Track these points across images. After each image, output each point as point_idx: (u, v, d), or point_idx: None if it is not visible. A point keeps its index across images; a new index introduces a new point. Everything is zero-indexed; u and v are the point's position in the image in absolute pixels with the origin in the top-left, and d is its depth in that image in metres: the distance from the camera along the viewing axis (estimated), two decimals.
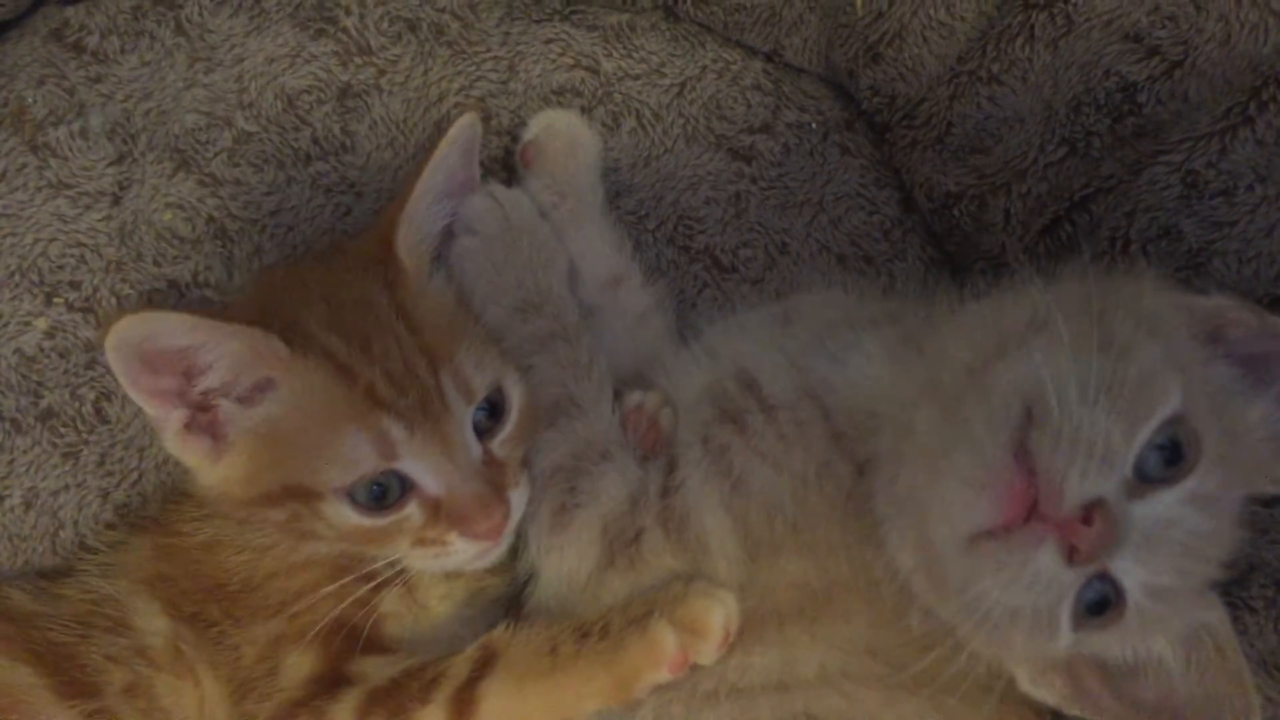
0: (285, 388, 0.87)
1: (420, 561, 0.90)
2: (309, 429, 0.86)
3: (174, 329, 0.82)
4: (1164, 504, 0.74)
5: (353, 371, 0.86)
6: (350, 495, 0.86)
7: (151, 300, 1.04)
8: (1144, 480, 0.74)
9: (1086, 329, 0.74)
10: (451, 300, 0.96)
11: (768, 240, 1.14)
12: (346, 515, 0.87)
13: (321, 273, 0.95)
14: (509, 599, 1.00)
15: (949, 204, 1.10)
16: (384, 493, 0.87)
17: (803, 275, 1.12)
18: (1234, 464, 0.77)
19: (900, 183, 1.17)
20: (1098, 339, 0.74)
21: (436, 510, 0.87)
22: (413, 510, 0.88)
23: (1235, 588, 0.87)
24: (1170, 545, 0.74)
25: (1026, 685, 0.85)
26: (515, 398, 0.93)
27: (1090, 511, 0.70)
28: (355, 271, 0.94)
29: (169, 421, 0.87)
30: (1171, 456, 0.74)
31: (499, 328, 0.97)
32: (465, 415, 0.89)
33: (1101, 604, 0.76)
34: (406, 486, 0.87)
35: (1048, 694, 0.85)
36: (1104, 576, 0.75)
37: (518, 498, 0.92)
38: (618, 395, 1.00)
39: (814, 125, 1.17)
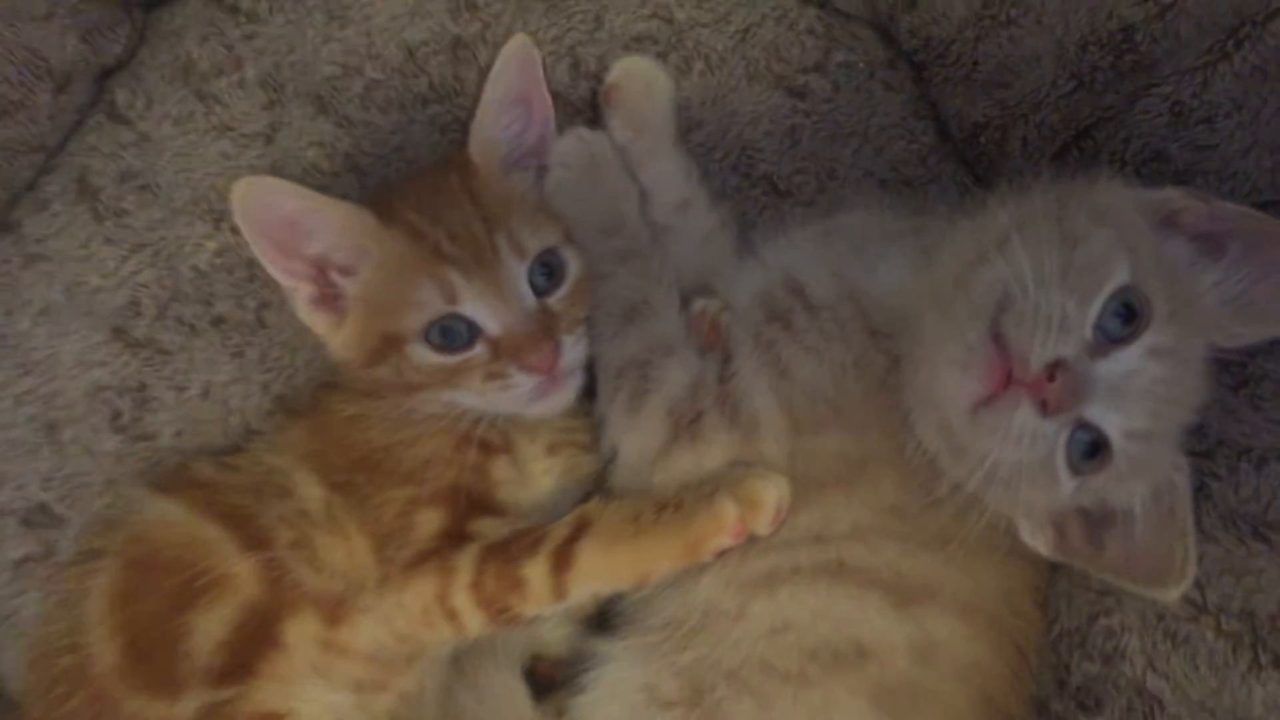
0: (376, 254, 1.03)
1: (497, 398, 1.04)
2: (393, 285, 1.03)
3: (284, 193, 1.00)
4: (1124, 359, 0.89)
5: (424, 234, 1.02)
6: (426, 336, 1.02)
7: None
8: (1108, 341, 0.89)
9: (1049, 229, 0.90)
10: (517, 192, 1.10)
11: (818, 167, 1.25)
12: (426, 355, 1.02)
13: (415, 173, 1.14)
14: (600, 479, 1.15)
15: (976, 133, 1.20)
16: (453, 334, 1.02)
17: (848, 197, 1.21)
18: (1190, 322, 0.91)
19: (936, 115, 1.26)
20: (1058, 235, 0.89)
21: (497, 349, 1.02)
22: (479, 350, 1.02)
23: (1204, 459, 1.00)
24: (1137, 393, 0.89)
25: (1026, 537, 0.99)
26: (572, 266, 1.08)
27: (1053, 370, 0.86)
28: (437, 168, 1.11)
29: (299, 294, 1.05)
30: (1127, 319, 0.88)
31: (585, 245, 1.11)
32: (518, 269, 1.04)
33: (1092, 450, 0.90)
34: (473, 332, 1.02)
35: (1041, 545, 0.99)
36: (1086, 426, 0.90)
37: (570, 343, 1.05)
38: (684, 302, 1.14)
39: (861, 65, 1.27)
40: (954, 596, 1.01)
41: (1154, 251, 0.92)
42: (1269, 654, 0.93)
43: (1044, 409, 0.87)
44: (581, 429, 1.16)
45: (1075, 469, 0.91)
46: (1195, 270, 0.94)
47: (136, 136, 1.25)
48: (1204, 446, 1.00)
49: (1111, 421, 0.90)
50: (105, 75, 1.28)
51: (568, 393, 1.08)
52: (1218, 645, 0.95)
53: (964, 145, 1.24)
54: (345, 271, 1.05)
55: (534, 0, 1.26)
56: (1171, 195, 0.94)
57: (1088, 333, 0.89)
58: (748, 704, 1.01)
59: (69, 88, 1.22)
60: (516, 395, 1.05)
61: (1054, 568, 1.07)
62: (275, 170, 1.23)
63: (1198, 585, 0.95)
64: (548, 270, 1.06)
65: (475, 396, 1.05)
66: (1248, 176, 1.02)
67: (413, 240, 1.03)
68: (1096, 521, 0.98)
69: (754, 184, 1.26)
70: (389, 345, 1.04)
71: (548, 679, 1.15)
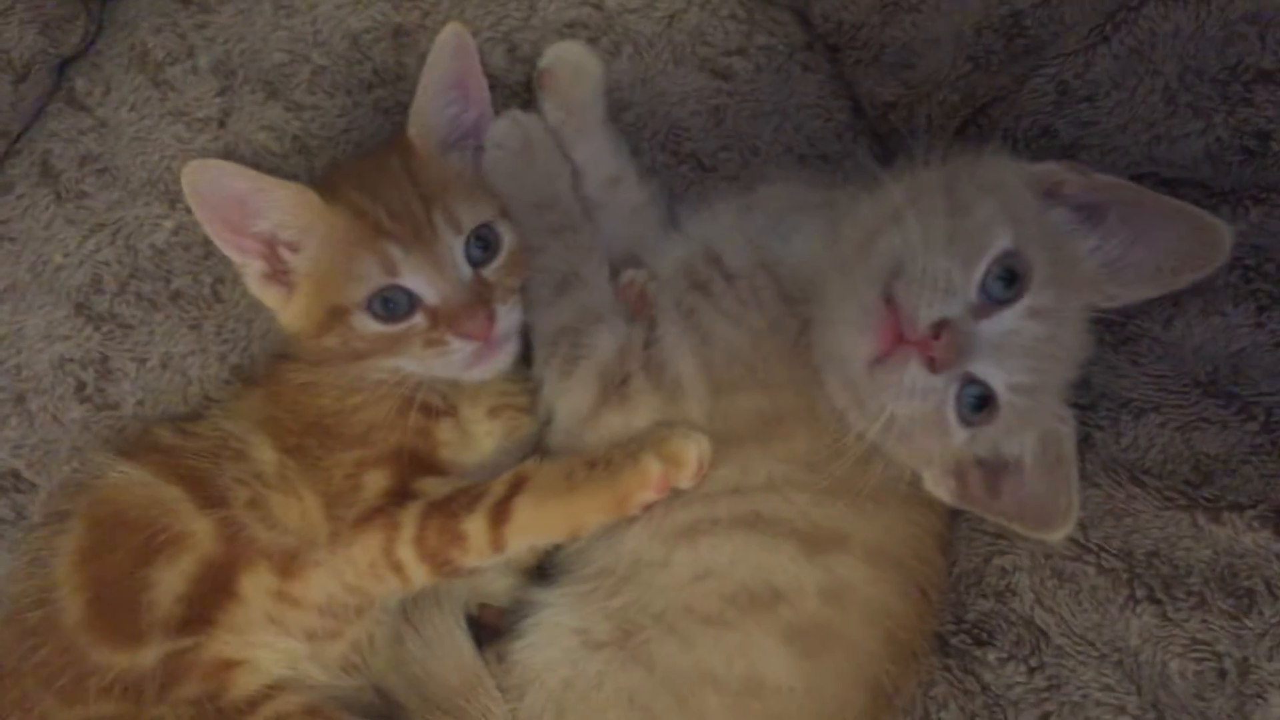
0: (321, 231, 1.10)
1: (434, 364, 1.10)
2: (337, 260, 1.09)
3: (231, 174, 1.06)
4: (1007, 319, 0.96)
5: (365, 211, 1.09)
6: (368, 307, 1.08)
7: None
8: (991, 303, 0.96)
9: (939, 201, 0.97)
10: (454, 171, 1.16)
11: (741, 145, 1.31)
12: (369, 325, 1.08)
13: (355, 159, 1.22)
14: (538, 440, 1.21)
15: (886, 111, 1.27)
16: (394, 304, 1.08)
17: (769, 172, 1.27)
18: (1070, 285, 0.98)
19: (850, 94, 1.33)
20: (946, 205, 0.97)
21: (435, 317, 1.08)
22: (418, 319, 1.09)
23: (1088, 411, 1.07)
24: (1019, 350, 0.96)
25: (929, 485, 1.07)
26: (506, 239, 1.14)
27: (939, 330, 0.93)
28: (378, 149, 1.19)
29: (250, 270, 1.12)
30: (1009, 282, 0.96)
31: (520, 220, 1.17)
32: (455, 242, 1.10)
33: (980, 403, 0.98)
34: (413, 302, 1.08)
35: (944, 493, 1.06)
36: (974, 381, 0.97)
37: (505, 311, 1.11)
38: (614, 273, 1.20)
39: (780, 47, 1.32)
40: (862, 543, 1.08)
41: (1036, 219, 1.00)
42: (1144, 588, 1.01)
43: (931, 365, 0.94)
44: (520, 393, 1.22)
45: (965, 421, 0.98)
46: (1076, 237, 1.01)
47: (95, 122, 1.30)
48: (1088, 400, 1.08)
49: (996, 377, 0.97)
50: (64, 64, 1.33)
51: (503, 358, 1.15)
52: (1099, 581, 1.04)
53: (876, 123, 1.30)
54: (292, 248, 1.12)
55: None
56: (1053, 168, 1.01)
57: (972, 295, 0.96)
58: (672, 644, 1.08)
59: (29, 77, 1.27)
60: (454, 360, 1.11)
61: (954, 514, 1.14)
62: (228, 153, 1.28)
63: (1081, 527, 1.04)
64: (483, 243, 1.13)
65: (416, 362, 1.11)
66: (1126, 150, 1.08)
67: (355, 217, 1.09)
68: (993, 471, 1.05)
69: (681, 161, 1.32)
70: (335, 316, 1.10)
71: (493, 626, 1.22)
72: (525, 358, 1.20)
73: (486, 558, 1.09)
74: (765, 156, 1.31)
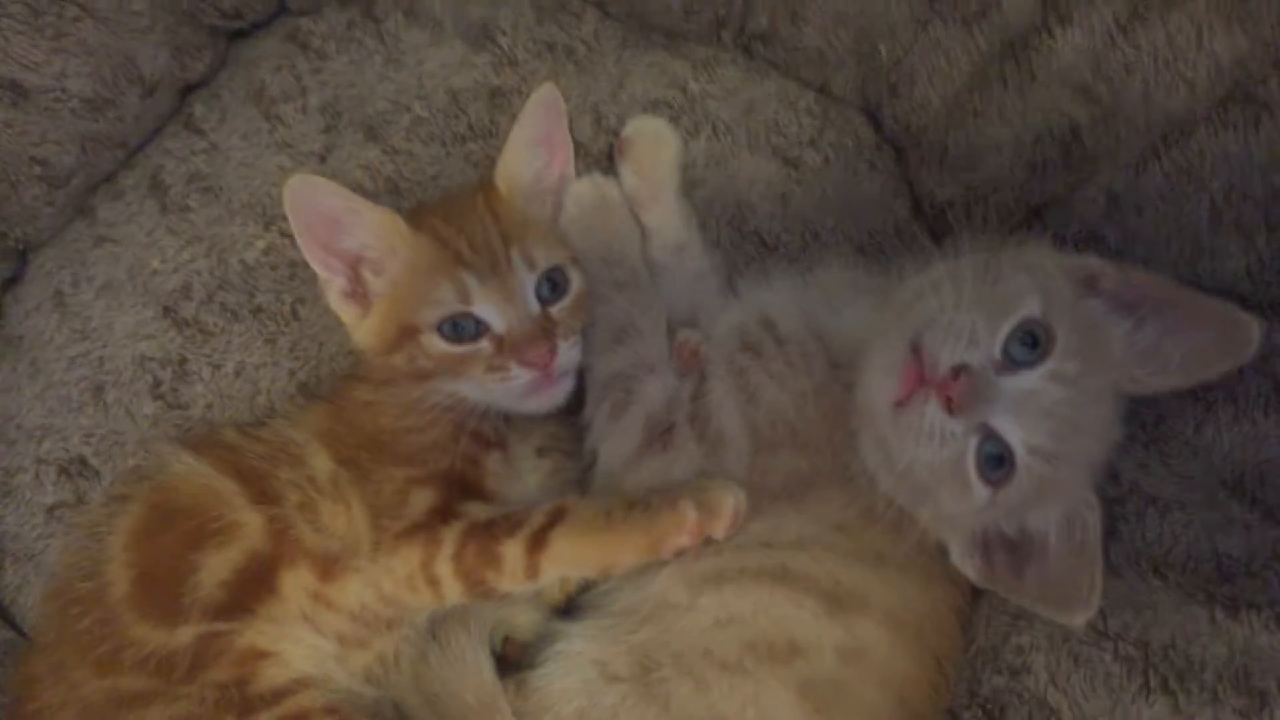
0: (404, 255, 1.17)
1: (494, 388, 1.16)
2: (416, 283, 1.16)
3: (328, 192, 1.14)
4: (1028, 378, 1.00)
5: (447, 241, 1.16)
6: (439, 329, 1.15)
7: None
8: (1014, 364, 1.00)
9: (976, 271, 1.03)
10: (535, 217, 1.24)
11: (804, 229, 1.37)
12: (438, 344, 1.15)
13: (444, 196, 1.29)
14: (580, 485, 1.25)
15: (944, 210, 1.33)
16: (462, 329, 1.15)
17: (828, 257, 1.34)
18: (1096, 362, 1.02)
19: (911, 193, 1.40)
20: (983, 275, 1.03)
21: (501, 345, 1.15)
22: (484, 345, 1.15)
23: (1117, 504, 1.11)
24: (1039, 411, 0.99)
25: (956, 559, 1.09)
26: (575, 282, 1.21)
27: (958, 372, 0.98)
28: (465, 192, 1.26)
29: (332, 284, 1.19)
30: (1032, 347, 1.00)
31: (589, 272, 1.24)
32: (527, 278, 1.17)
33: (998, 460, 1.01)
34: (480, 328, 1.15)
35: (969, 569, 1.08)
36: (993, 437, 1.00)
37: (566, 348, 1.17)
38: (671, 332, 1.26)
39: (850, 144, 1.40)
40: (884, 609, 1.11)
41: (1068, 300, 1.04)
42: (1158, 678, 1.02)
43: (949, 406, 0.99)
44: (569, 439, 1.27)
45: (984, 477, 1.02)
46: (1109, 323, 1.06)
47: (207, 145, 1.41)
48: (1118, 493, 1.11)
49: (1014, 434, 1.00)
50: (187, 90, 1.44)
51: (558, 393, 1.20)
52: (1114, 668, 1.04)
53: (933, 221, 1.37)
54: (374, 269, 1.19)
55: (567, 62, 1.42)
56: (1090, 261, 1.06)
57: (996, 352, 1.01)
58: (688, 686, 1.10)
59: (155, 94, 1.38)
60: (513, 388, 1.17)
61: (976, 594, 1.16)
62: None
63: (1101, 614, 1.04)
64: (553, 284, 1.20)
65: (476, 387, 1.17)
66: (1170, 263, 1.13)
67: (437, 246, 1.17)
68: (1018, 553, 1.08)
69: (745, 238, 1.39)
70: (406, 335, 1.17)
71: (515, 660, 1.24)
72: (575, 408, 1.25)
73: (520, 583, 1.12)
74: (825, 242, 1.38)
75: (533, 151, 1.27)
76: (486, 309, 1.15)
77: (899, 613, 1.12)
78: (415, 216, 1.21)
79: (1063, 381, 1.00)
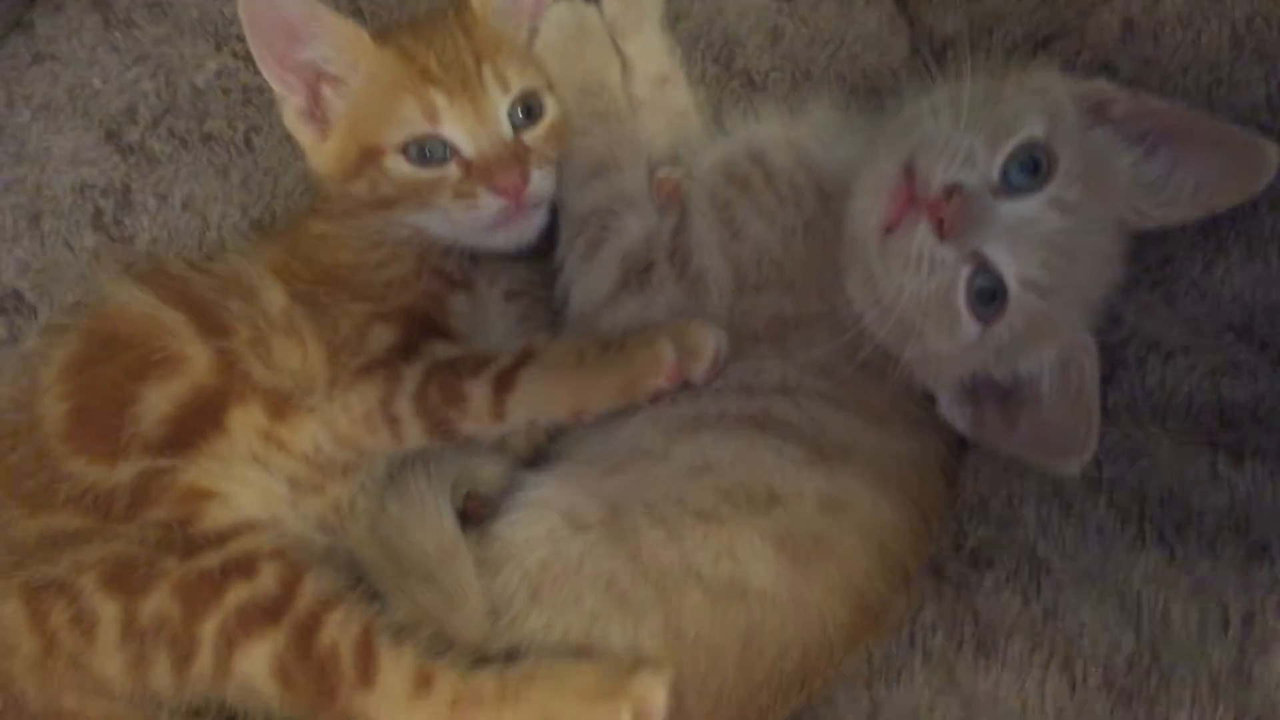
0: (365, 69, 1.10)
1: (460, 217, 1.11)
2: (379, 100, 1.10)
3: None
4: (1026, 205, 0.94)
5: (414, 56, 1.10)
6: (405, 151, 1.09)
7: None
8: (1012, 189, 0.94)
9: (978, 92, 0.97)
10: (510, 37, 1.18)
11: (795, 67, 1.30)
12: (403, 167, 1.09)
13: (419, 15, 1.21)
14: (551, 332, 1.19)
15: (945, 46, 1.27)
16: (429, 152, 1.09)
17: (819, 96, 1.26)
18: (1100, 192, 0.97)
19: (909, 32, 1.33)
20: (984, 96, 0.96)
21: (469, 170, 1.09)
22: (451, 169, 1.10)
23: (1117, 349, 1.06)
24: (1035, 240, 0.94)
25: (944, 409, 1.05)
26: (550, 108, 1.16)
27: (950, 192, 0.92)
28: (435, 11, 1.18)
29: (289, 104, 1.12)
30: (1033, 173, 0.94)
31: (566, 101, 1.18)
32: (500, 100, 1.11)
33: (990, 294, 0.95)
34: (448, 151, 1.09)
35: (959, 420, 1.05)
36: (986, 269, 0.95)
37: (539, 177, 1.12)
38: (651, 168, 1.21)
39: None
40: (867, 457, 1.07)
41: (1073, 124, 0.98)
42: (1154, 530, 0.99)
43: (940, 229, 0.93)
44: (540, 284, 1.22)
45: (974, 311, 0.96)
46: (1115, 153, 1.00)
47: None
48: (1118, 338, 1.07)
49: (1008, 265, 0.95)
50: None
51: (529, 227, 1.15)
52: (1107, 518, 1.01)
53: (931, 60, 1.28)
54: (335, 87, 1.12)
55: None
56: (1101, 85, 1.00)
57: (994, 174, 0.95)
58: (660, 534, 1.05)
59: None
60: (482, 217, 1.11)
61: (964, 444, 1.12)
62: None
63: (1095, 462, 1.01)
64: (527, 109, 1.14)
65: (442, 218, 1.11)
66: (1186, 92, 1.07)
67: (403, 60, 1.10)
68: (1010, 399, 1.03)
69: (732, 76, 1.32)
70: (367, 158, 1.10)
71: (478, 517, 1.18)
72: (546, 251, 1.20)
73: (485, 425, 1.08)
74: (817, 82, 1.31)
75: None
76: (455, 130, 1.09)
77: (883, 461, 1.08)
78: (382, 33, 1.13)
79: (1062, 210, 0.95)
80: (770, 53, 1.31)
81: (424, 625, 1.06)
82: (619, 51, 1.25)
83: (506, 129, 1.11)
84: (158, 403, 1.07)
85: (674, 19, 1.30)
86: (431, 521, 1.12)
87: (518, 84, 1.13)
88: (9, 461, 1.06)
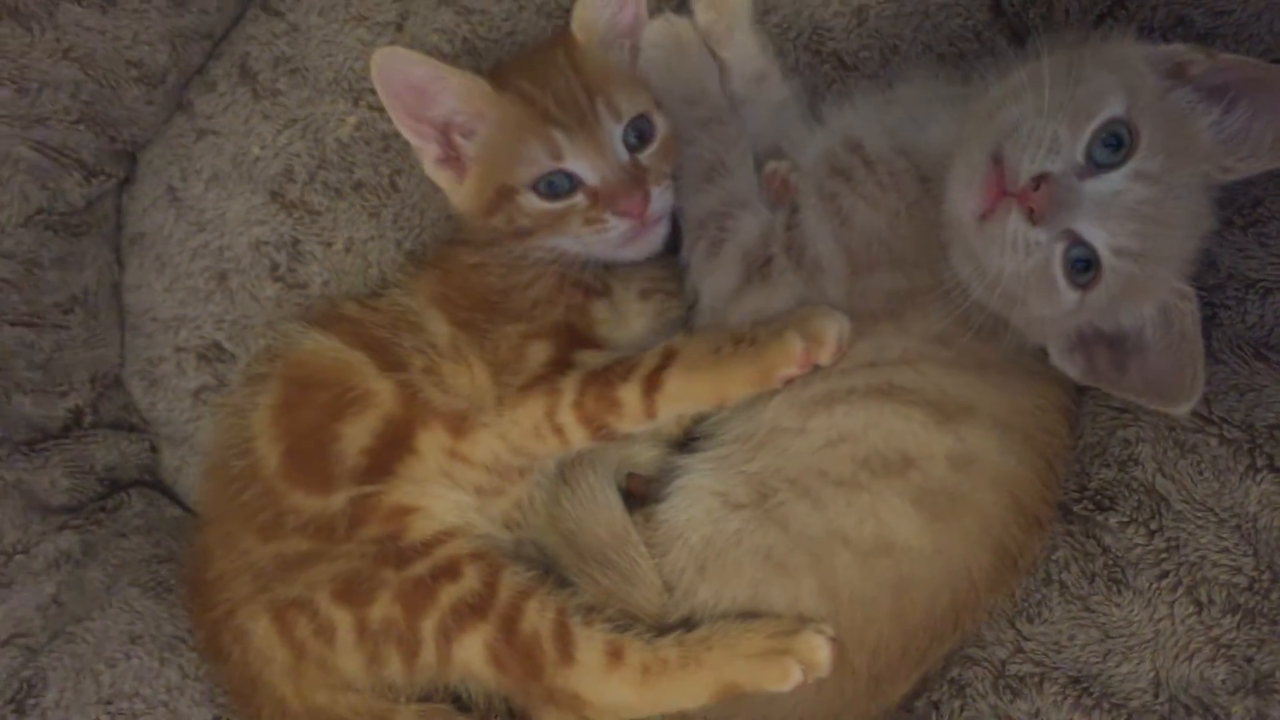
0: (492, 117, 1.20)
1: (592, 241, 1.20)
2: (507, 144, 1.19)
3: (412, 62, 1.16)
4: (1112, 180, 1.00)
5: (533, 99, 1.19)
6: (535, 187, 1.18)
7: None
8: (1099, 166, 1.00)
9: (1060, 75, 1.01)
10: (616, 66, 1.26)
11: (882, 44, 1.35)
12: (535, 203, 1.19)
13: (523, 52, 1.31)
14: (685, 324, 1.29)
15: (1025, 7, 1.30)
16: (556, 185, 1.18)
17: (909, 70, 1.32)
18: (1184, 155, 1.01)
19: None
20: (1066, 78, 1.01)
21: (595, 197, 1.18)
22: (579, 198, 1.19)
23: (1215, 291, 1.12)
24: (1123, 212, 1.00)
25: (1056, 359, 1.11)
26: (660, 127, 1.23)
27: (1038, 181, 0.98)
28: (543, 46, 1.28)
29: (426, 152, 1.22)
30: (1116, 148, 1.00)
31: (672, 114, 1.26)
32: (614, 129, 1.20)
33: (1085, 264, 1.02)
34: (574, 183, 1.18)
35: (1071, 368, 1.11)
36: (1079, 242, 1.01)
37: (658, 194, 1.20)
38: (758, 164, 1.28)
39: None
40: (990, 414, 1.14)
41: (1154, 92, 1.03)
42: (1265, 458, 1.06)
43: (1031, 216, 1.00)
44: (669, 279, 1.31)
45: (1072, 281, 1.03)
46: (1196, 113, 1.04)
47: (288, 26, 1.43)
48: (1216, 280, 1.12)
49: (1099, 237, 1.01)
50: None
51: (654, 239, 1.24)
52: (1220, 451, 1.08)
53: (1013, 21, 1.34)
54: (465, 134, 1.22)
55: None
56: (1178, 48, 1.04)
57: (1078, 156, 1.01)
58: (805, 506, 1.15)
59: None
60: (610, 238, 1.20)
61: (1080, 391, 1.20)
62: None
63: (1205, 400, 1.08)
64: (639, 132, 1.22)
65: (575, 240, 1.21)
66: (1260, 39, 1.10)
67: (524, 105, 1.19)
68: (1119, 349, 1.09)
69: (824, 60, 1.37)
70: (503, 196, 1.21)
71: (639, 495, 1.31)
72: (673, 248, 1.28)
73: (639, 423, 1.18)
74: (905, 55, 1.36)
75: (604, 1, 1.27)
76: (578, 163, 1.18)
77: (1006, 416, 1.15)
78: (498, 76, 1.22)
79: (1147, 180, 1.00)
80: (858, 33, 1.36)
81: (609, 604, 1.20)
82: (715, 57, 1.32)
83: (623, 154, 1.20)
84: (357, 437, 1.21)
85: (762, 13, 1.36)
86: (603, 512, 1.25)
87: (628, 110, 1.21)
88: (242, 500, 1.22)
